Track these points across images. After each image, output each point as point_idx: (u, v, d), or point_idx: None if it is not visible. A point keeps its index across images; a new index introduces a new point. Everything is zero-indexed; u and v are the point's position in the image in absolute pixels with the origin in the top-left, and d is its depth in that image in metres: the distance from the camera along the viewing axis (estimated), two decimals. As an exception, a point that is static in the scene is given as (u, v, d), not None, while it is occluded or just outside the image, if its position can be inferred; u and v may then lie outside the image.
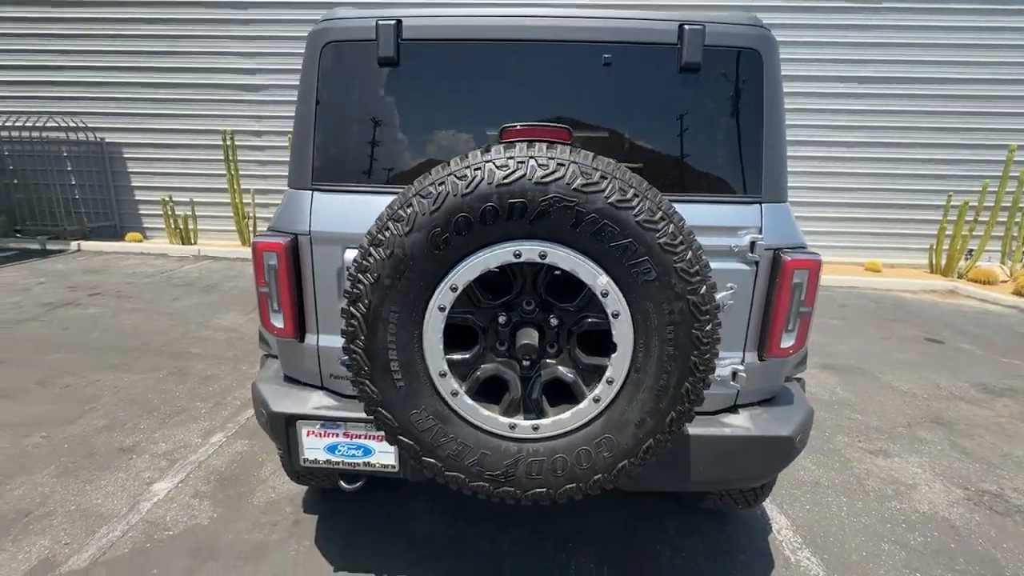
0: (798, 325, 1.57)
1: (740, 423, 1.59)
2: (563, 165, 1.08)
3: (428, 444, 1.25)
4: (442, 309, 1.18)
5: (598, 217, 1.08)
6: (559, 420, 1.25)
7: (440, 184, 1.10)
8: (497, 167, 1.08)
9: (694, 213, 1.49)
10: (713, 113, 1.54)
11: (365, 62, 1.50)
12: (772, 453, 1.57)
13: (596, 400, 1.24)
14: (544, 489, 1.26)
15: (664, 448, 1.25)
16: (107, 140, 8.38)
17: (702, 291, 1.15)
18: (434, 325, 1.19)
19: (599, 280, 1.15)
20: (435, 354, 1.21)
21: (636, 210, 1.09)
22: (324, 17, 1.53)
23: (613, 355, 1.21)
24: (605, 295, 1.17)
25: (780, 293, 1.52)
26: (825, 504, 2.45)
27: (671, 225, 1.12)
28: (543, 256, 1.14)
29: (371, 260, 1.15)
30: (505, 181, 1.07)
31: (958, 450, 2.97)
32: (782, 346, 1.58)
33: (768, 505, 2.43)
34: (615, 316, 1.18)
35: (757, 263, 1.51)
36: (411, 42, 1.47)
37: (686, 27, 1.41)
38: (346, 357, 1.23)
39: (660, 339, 1.18)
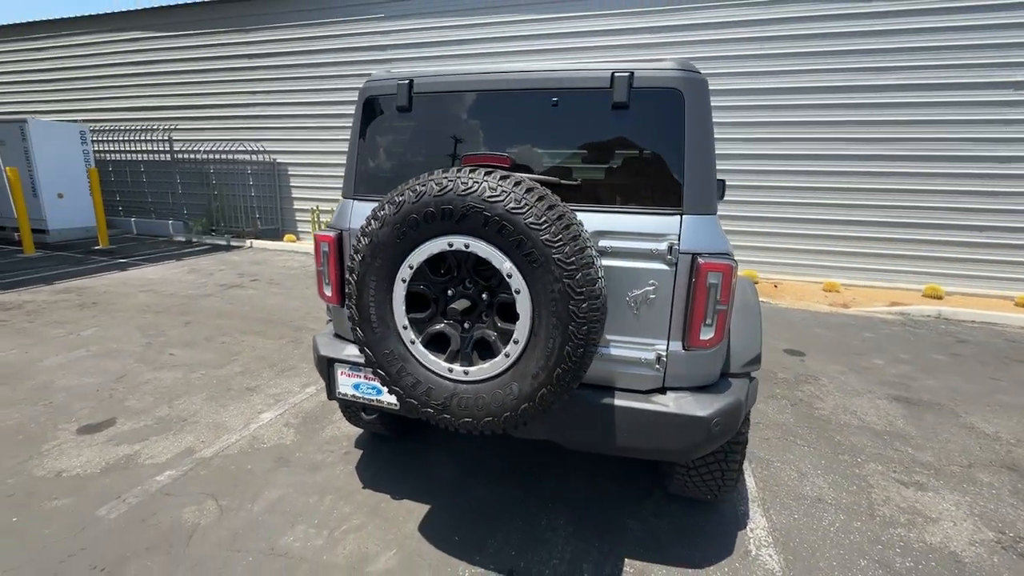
0: (716, 320, 1.80)
1: (662, 401, 1.85)
2: (477, 183, 1.54)
3: (394, 376, 1.77)
4: (404, 281, 1.71)
5: (499, 219, 1.52)
6: (482, 368, 1.69)
7: (401, 195, 1.63)
8: (435, 184, 1.58)
9: (627, 222, 1.84)
10: (642, 141, 1.86)
11: (390, 109, 2.11)
12: (686, 430, 1.81)
13: (507, 356, 1.65)
14: (470, 419, 1.70)
15: (555, 399, 1.62)
16: (278, 160, 10.49)
17: (577, 277, 1.51)
18: (398, 292, 1.72)
19: (504, 265, 1.58)
20: (399, 312, 1.74)
21: (525, 215, 1.50)
22: (366, 81, 2.17)
23: (517, 322, 1.62)
24: (510, 276, 1.59)
25: (697, 291, 1.77)
26: (817, 517, 2.46)
27: (552, 227, 1.51)
28: (467, 246, 1.61)
29: (361, 245, 1.72)
30: (439, 194, 1.57)
31: (1019, 497, 2.67)
32: (702, 338, 1.82)
33: (753, 507, 2.52)
34: (517, 292, 1.59)
35: (676, 265, 1.79)
36: (419, 95, 2.04)
37: (615, 74, 1.78)
38: (347, 311, 1.81)
39: (547, 311, 1.56)
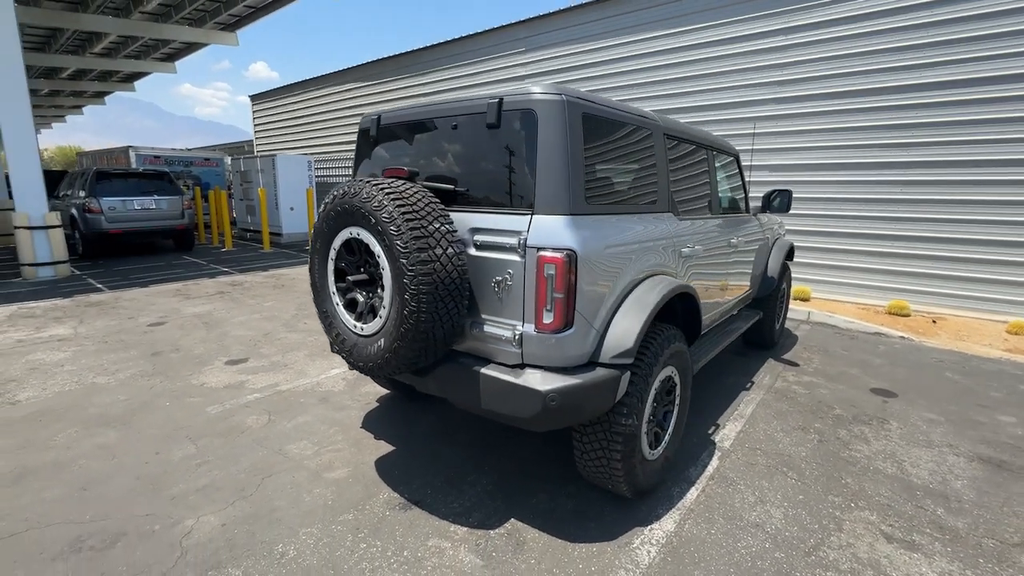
0: (555, 306, 2.04)
1: (512, 374, 2.15)
2: (360, 189, 2.14)
3: (328, 328, 2.46)
4: (331, 260, 2.39)
5: (369, 215, 2.09)
6: (369, 326, 2.25)
7: (328, 198, 2.32)
8: (342, 190, 2.23)
9: (493, 221, 2.23)
10: (507, 153, 2.19)
11: (368, 137, 2.84)
12: (527, 400, 2.06)
13: (380, 317, 2.18)
14: (361, 364, 2.28)
15: (409, 353, 2.08)
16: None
17: (410, 258, 1.97)
18: (329, 268, 2.40)
19: (375, 248, 2.13)
20: (330, 282, 2.41)
21: (382, 212, 2.03)
22: (361, 118, 2.93)
23: (384, 291, 2.14)
24: (379, 257, 2.13)
25: (538, 280, 2.05)
26: (737, 538, 2.33)
27: (397, 220, 2.01)
28: (358, 235, 2.20)
29: (314, 232, 2.46)
30: (343, 197, 2.21)
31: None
32: (544, 322, 2.07)
33: (673, 514, 2.50)
34: (384, 270, 2.12)
35: (524, 257, 2.09)
36: (382, 126, 2.73)
37: (489, 101, 2.18)
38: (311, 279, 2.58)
39: (396, 284, 2.06)
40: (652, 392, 2.43)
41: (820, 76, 6.85)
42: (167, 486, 2.66)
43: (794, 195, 7.29)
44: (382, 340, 2.18)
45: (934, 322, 6.09)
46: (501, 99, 2.18)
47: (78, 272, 8.83)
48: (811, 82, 6.93)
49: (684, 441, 3.19)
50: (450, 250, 2.08)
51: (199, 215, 12.84)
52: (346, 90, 14.34)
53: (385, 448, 3.09)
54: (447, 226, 2.11)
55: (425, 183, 2.40)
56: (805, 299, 6.97)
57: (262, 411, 3.55)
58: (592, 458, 2.37)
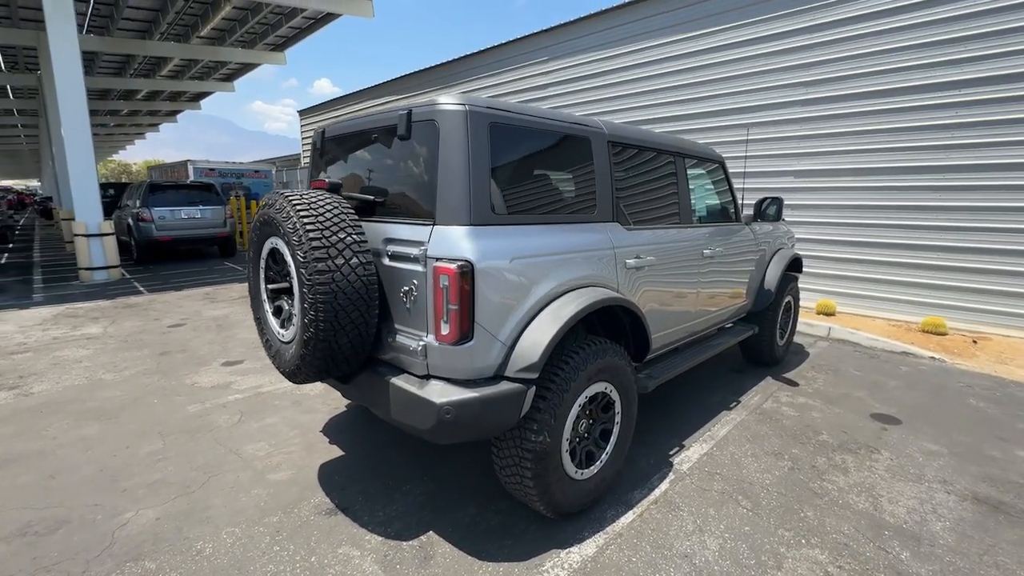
0: (451, 318, 2.00)
1: (416, 385, 2.13)
2: (275, 201, 2.20)
3: (262, 332, 2.54)
4: (261, 267, 2.47)
5: (278, 226, 2.15)
6: (288, 332, 2.31)
7: (259, 207, 2.41)
8: (264, 201, 2.31)
9: (401, 231, 2.24)
10: (414, 164, 2.19)
11: (316, 150, 2.93)
12: (425, 412, 2.02)
13: (294, 325, 2.24)
14: (282, 368, 2.34)
15: (315, 360, 2.11)
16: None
17: (308, 268, 2.00)
18: (261, 275, 2.49)
19: (287, 258, 2.19)
20: (262, 288, 2.50)
21: (287, 223, 2.09)
22: (313, 132, 3.04)
23: (295, 298, 2.19)
24: (290, 266, 2.18)
25: (434, 291, 2.03)
26: (659, 568, 2.19)
27: (299, 231, 2.05)
28: (276, 245, 2.27)
29: (249, 241, 2.56)
30: (264, 208, 2.29)
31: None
32: (442, 333, 2.04)
33: (598, 538, 2.38)
34: (293, 279, 2.17)
35: (426, 267, 2.08)
36: (325, 139, 2.81)
37: (398, 112, 2.20)
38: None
39: (300, 292, 2.09)
40: (575, 409, 2.34)
41: (847, 75, 6.41)
42: (124, 479, 2.83)
43: (819, 202, 6.86)
44: (295, 346, 2.23)
45: (974, 342, 5.50)
46: (410, 111, 2.19)
47: (128, 276, 9.62)
48: (838, 82, 6.49)
49: (640, 461, 3.04)
50: (354, 260, 2.10)
51: (243, 223, 13.67)
52: (382, 103, 14.88)
53: (335, 453, 3.14)
54: (353, 236, 2.14)
55: (351, 194, 2.45)
56: (829, 313, 6.49)
57: (236, 411, 3.71)
58: (507, 474, 2.31)
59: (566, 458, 2.35)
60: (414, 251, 2.14)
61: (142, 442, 3.25)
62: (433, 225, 2.11)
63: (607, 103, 9.17)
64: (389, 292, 2.27)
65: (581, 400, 2.37)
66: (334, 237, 2.10)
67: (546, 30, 10.09)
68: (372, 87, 15.21)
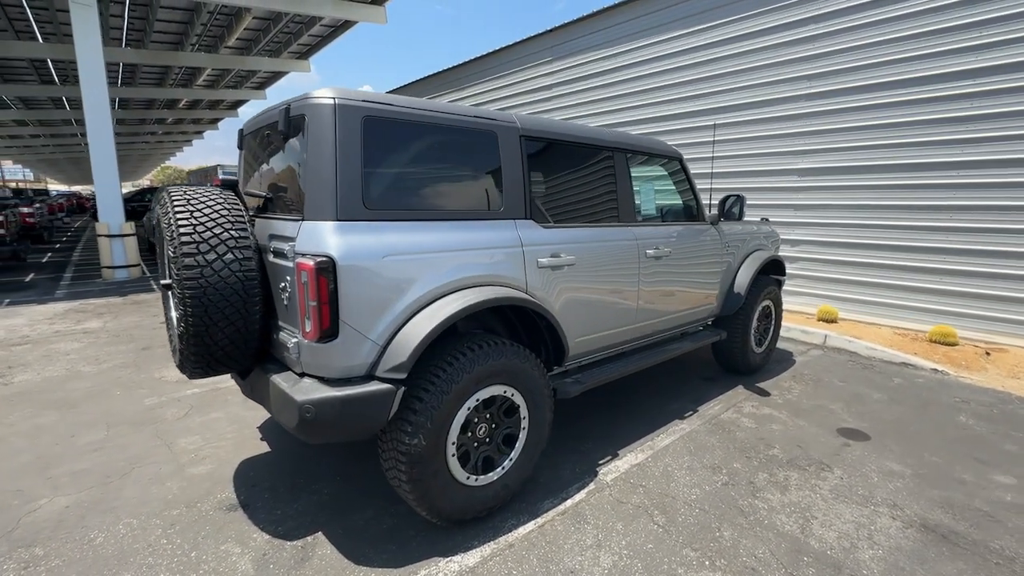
0: (312, 315, 1.96)
1: (290, 382, 2.10)
2: (161, 196, 2.23)
3: (167, 328, 2.58)
4: (164, 263, 2.52)
5: (159, 222, 2.17)
6: (179, 328, 2.33)
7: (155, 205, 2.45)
8: (157, 198, 2.34)
9: (278, 227, 2.23)
10: (293, 160, 2.16)
11: (240, 148, 2.96)
12: (288, 410, 1.99)
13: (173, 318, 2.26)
14: (176, 360, 2.37)
15: (194, 352, 2.11)
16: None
17: (177, 264, 2.01)
18: (165, 271, 2.54)
19: (168, 251, 2.21)
20: (165, 283, 2.55)
21: (164, 220, 2.11)
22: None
23: (173, 293, 2.21)
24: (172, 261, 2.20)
25: (298, 287, 1.99)
26: (534, 583, 2.07)
27: (172, 226, 2.06)
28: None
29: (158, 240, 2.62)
30: (156, 205, 2.32)
31: None
32: (306, 330, 2.00)
33: (485, 548, 2.27)
34: (174, 273, 2.19)
35: (294, 263, 2.04)
36: (244, 136, 2.83)
37: (276, 109, 2.18)
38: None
39: (175, 287, 2.11)
40: (463, 412, 2.25)
41: (852, 67, 6.01)
42: (54, 466, 2.93)
43: (823, 202, 6.45)
44: (178, 341, 2.25)
45: (987, 353, 5.02)
46: (288, 105, 2.17)
47: (148, 274, 10.12)
48: (843, 74, 6.10)
49: (563, 469, 2.92)
50: (229, 256, 2.09)
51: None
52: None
53: (263, 449, 3.16)
54: (231, 232, 2.13)
55: (248, 191, 2.45)
56: (830, 320, 6.09)
57: (187, 405, 3.80)
58: (390, 477, 2.25)
59: (453, 463, 2.26)
60: (286, 247, 2.11)
61: (88, 432, 3.37)
62: (302, 221, 2.08)
63: (626, 100, 8.97)
64: (274, 289, 2.26)
65: (471, 403, 2.29)
66: (207, 233, 2.10)
67: (549, 30, 9.98)
68: (392, 91, 15.49)
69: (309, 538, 2.34)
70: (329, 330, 1.98)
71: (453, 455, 2.26)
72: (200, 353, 2.15)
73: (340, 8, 11.68)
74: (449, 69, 12.85)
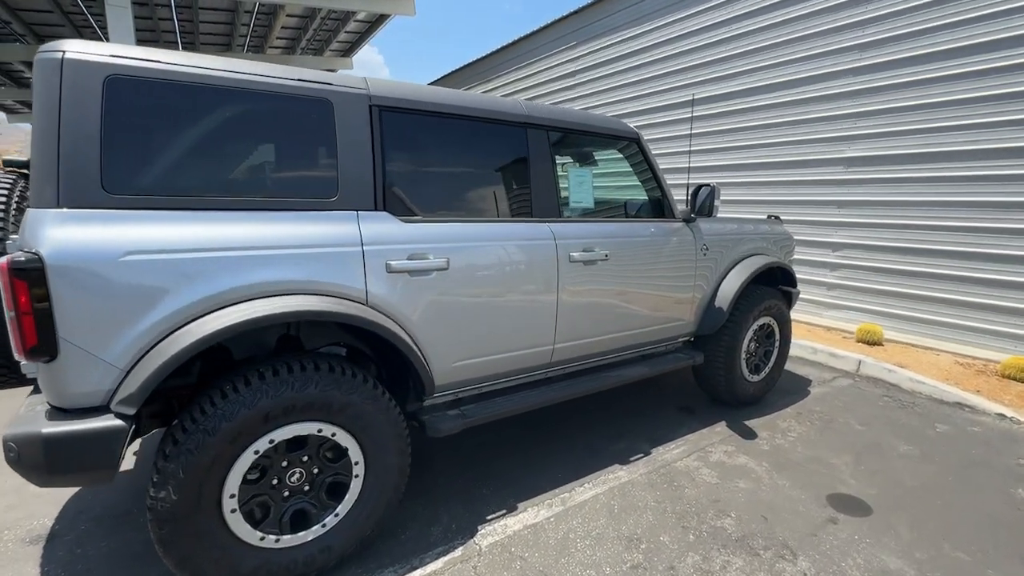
0: (11, 327, 1.53)
1: (30, 407, 1.70)
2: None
3: None
4: None
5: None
6: None
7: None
8: None
9: None
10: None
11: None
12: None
13: None
14: None
15: None
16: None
17: None
18: None
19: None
20: None
21: None
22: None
23: None
24: None
25: (3, 292, 1.55)
26: None
27: None
28: None
29: None
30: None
31: None
32: (14, 344, 1.57)
33: None
34: None
35: None
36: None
37: None
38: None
39: None
40: (245, 456, 1.76)
41: (911, 32, 4.86)
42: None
43: (873, 197, 5.31)
44: None
45: (1083, 398, 3.81)
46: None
47: None
48: (900, 41, 4.95)
49: (435, 525, 2.35)
50: None
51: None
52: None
53: (124, 468, 2.84)
54: None
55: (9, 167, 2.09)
56: (872, 342, 4.97)
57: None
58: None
59: (234, 520, 1.77)
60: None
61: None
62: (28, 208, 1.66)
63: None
64: None
65: (261, 446, 1.78)
66: None
67: (573, 12, 9.23)
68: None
69: (82, 593, 1.95)
70: (39, 347, 1.55)
71: (233, 511, 1.77)
72: None
73: (369, 1, 11.61)
74: (477, 60, 12.43)
